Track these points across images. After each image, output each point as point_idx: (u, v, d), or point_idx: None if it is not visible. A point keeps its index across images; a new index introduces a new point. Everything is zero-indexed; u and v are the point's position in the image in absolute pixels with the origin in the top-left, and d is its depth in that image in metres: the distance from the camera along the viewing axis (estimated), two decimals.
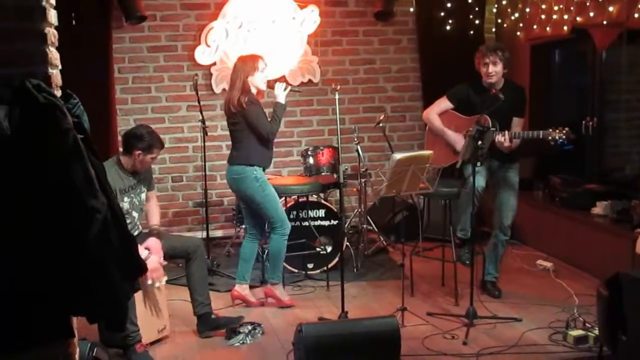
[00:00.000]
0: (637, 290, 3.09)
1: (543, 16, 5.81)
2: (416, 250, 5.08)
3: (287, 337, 3.93)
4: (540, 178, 6.23)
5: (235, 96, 4.43)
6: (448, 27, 6.39)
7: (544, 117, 6.04)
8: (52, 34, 1.97)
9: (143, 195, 4.15)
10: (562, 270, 5.29)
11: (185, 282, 4.26)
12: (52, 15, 1.99)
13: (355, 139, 5.61)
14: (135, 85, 6.32)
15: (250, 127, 4.45)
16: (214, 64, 6.35)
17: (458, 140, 4.62)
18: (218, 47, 6.27)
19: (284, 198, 5.18)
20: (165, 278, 4.09)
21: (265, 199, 4.51)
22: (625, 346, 3.11)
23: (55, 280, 1.78)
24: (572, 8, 5.48)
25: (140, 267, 2.10)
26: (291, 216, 5.13)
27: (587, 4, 5.27)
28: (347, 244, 5.45)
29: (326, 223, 5.34)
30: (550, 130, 4.31)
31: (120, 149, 4.18)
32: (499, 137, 4.40)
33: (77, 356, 2.05)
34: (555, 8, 5.64)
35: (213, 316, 4.22)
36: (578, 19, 5.45)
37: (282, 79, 5.85)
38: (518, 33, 6.29)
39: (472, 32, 6.44)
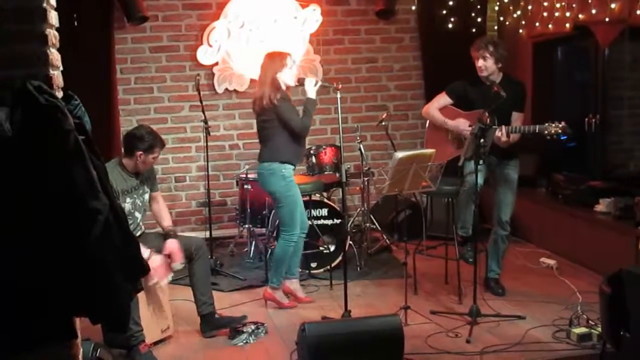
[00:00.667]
0: None
1: (545, 13, 5.80)
2: (419, 248, 5.08)
3: (290, 337, 3.93)
4: (543, 175, 6.21)
5: (266, 93, 4.39)
6: (450, 25, 6.37)
7: (546, 115, 6.00)
8: (52, 35, 1.97)
9: (146, 196, 4.16)
10: (565, 267, 5.28)
11: (188, 282, 4.26)
12: (53, 17, 1.99)
13: (358, 138, 5.61)
14: (137, 86, 6.33)
15: (282, 123, 4.41)
16: (216, 63, 6.36)
17: (461, 124, 4.62)
18: (220, 47, 6.29)
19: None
20: (171, 276, 4.06)
21: (286, 200, 4.48)
22: (628, 343, 3.10)
23: (57, 281, 1.79)
24: (574, 5, 5.47)
25: (143, 267, 2.10)
26: None
27: (589, 1, 5.26)
28: (350, 242, 5.45)
29: (329, 222, 5.34)
30: (547, 124, 4.29)
31: (122, 150, 4.18)
32: (497, 132, 4.39)
33: (80, 357, 2.06)
34: (557, 5, 5.63)
35: (216, 316, 4.22)
36: (580, 16, 5.44)
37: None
38: (520, 30, 6.28)
39: (474, 30, 6.41)
